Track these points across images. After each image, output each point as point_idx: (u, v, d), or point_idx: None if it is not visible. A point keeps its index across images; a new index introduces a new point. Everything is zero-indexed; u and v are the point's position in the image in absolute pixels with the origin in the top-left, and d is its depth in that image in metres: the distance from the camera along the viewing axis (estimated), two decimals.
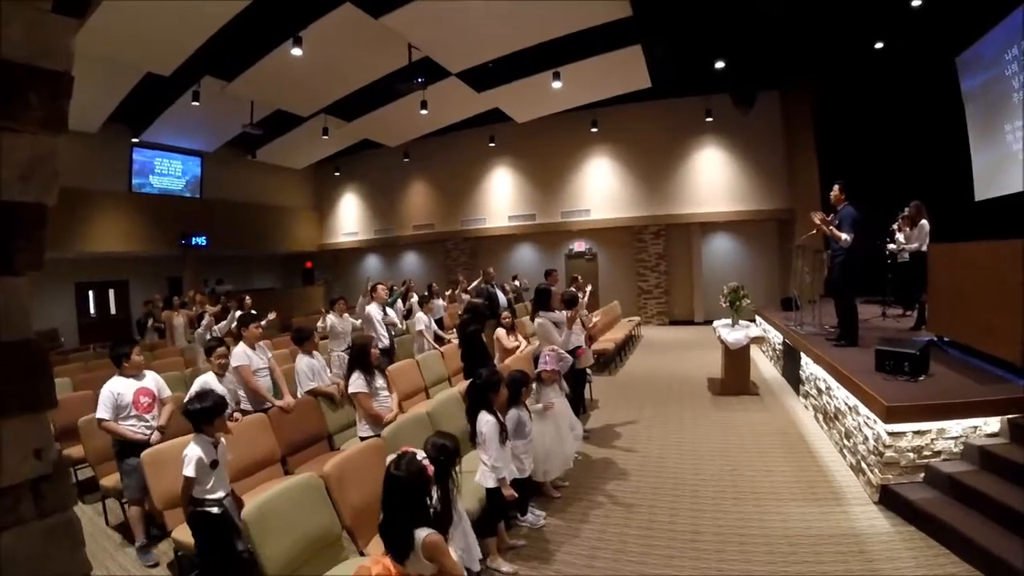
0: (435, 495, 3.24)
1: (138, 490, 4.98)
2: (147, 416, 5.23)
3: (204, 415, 3.96)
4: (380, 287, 9.86)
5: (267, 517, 3.43)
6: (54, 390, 0.96)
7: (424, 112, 14.49)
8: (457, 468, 3.52)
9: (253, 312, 9.36)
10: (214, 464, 3.91)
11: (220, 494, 3.91)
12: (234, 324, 9.80)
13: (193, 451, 3.86)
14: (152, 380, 5.43)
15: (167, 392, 5.53)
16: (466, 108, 16.02)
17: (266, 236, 21.95)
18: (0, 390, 0.86)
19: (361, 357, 5.70)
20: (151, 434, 5.16)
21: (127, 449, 5.04)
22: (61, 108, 0.92)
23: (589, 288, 10.37)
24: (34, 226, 0.91)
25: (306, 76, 12.53)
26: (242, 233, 20.65)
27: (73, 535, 0.95)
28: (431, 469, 2.95)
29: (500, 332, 8.39)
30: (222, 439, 4.10)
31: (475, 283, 13.46)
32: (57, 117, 0.92)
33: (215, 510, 3.83)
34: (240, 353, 6.40)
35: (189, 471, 3.81)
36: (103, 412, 5.05)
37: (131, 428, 5.11)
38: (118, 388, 5.14)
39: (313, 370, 6.70)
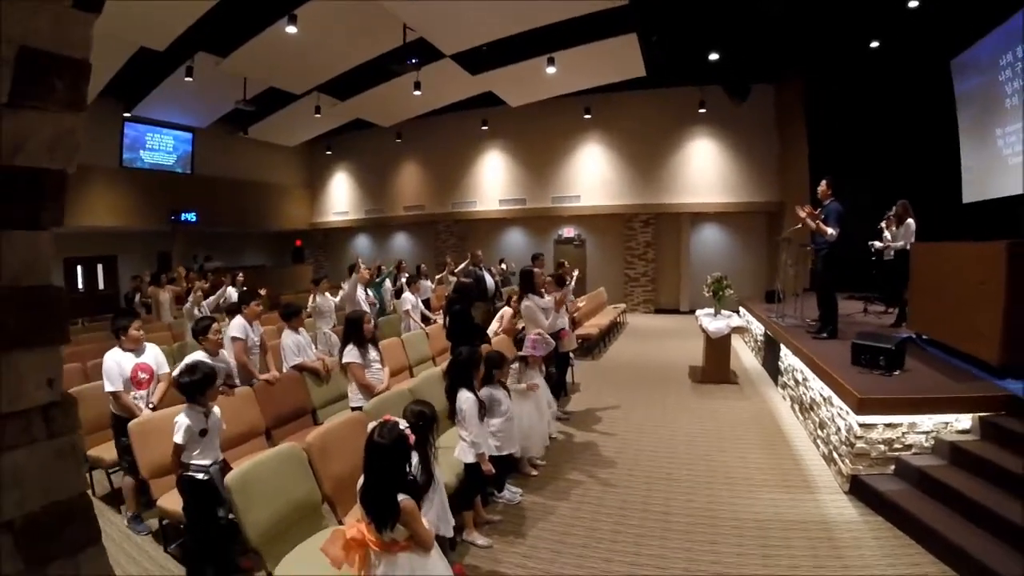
0: (415, 461, 3.35)
1: (134, 464, 5.07)
2: (143, 392, 5.26)
3: (196, 387, 4.06)
4: (363, 267, 9.93)
5: (250, 484, 3.51)
6: (67, 328, 1.10)
7: (417, 93, 14.44)
8: (434, 434, 3.63)
9: (246, 289, 9.40)
10: (203, 433, 4.00)
11: (207, 461, 3.99)
12: (223, 300, 9.88)
13: (183, 419, 3.95)
14: (152, 356, 5.44)
15: (165, 368, 5.53)
16: (460, 90, 15.98)
17: (257, 213, 21.91)
18: (23, 326, 0.99)
19: (355, 330, 5.81)
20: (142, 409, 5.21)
21: (124, 424, 5.10)
22: (81, 91, 1.05)
23: (576, 273, 10.45)
24: (57, 189, 1.04)
25: (300, 54, 12.48)
26: (233, 210, 20.60)
27: (76, 456, 1.08)
28: (412, 437, 3.04)
29: (507, 311, 8.49)
30: (215, 409, 4.19)
31: (462, 265, 13.53)
32: (78, 98, 1.05)
33: (200, 476, 3.93)
34: (239, 325, 6.45)
35: (178, 438, 3.91)
36: (114, 384, 5.07)
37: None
38: (119, 360, 5.16)
39: (299, 346, 6.76)
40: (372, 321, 8.67)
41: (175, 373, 5.52)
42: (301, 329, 7.05)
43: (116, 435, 5.21)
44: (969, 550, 3.99)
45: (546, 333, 6.81)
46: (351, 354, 5.69)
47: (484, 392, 5.13)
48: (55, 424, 1.04)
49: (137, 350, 5.33)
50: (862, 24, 12.13)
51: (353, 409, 5.54)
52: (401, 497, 2.87)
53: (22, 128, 0.97)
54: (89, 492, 1.12)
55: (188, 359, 5.59)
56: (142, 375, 5.26)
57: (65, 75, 1.02)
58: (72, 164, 1.06)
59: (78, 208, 15.67)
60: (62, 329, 1.08)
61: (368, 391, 5.63)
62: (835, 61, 14.31)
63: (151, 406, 5.24)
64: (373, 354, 5.92)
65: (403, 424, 3.06)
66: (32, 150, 0.99)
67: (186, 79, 13.32)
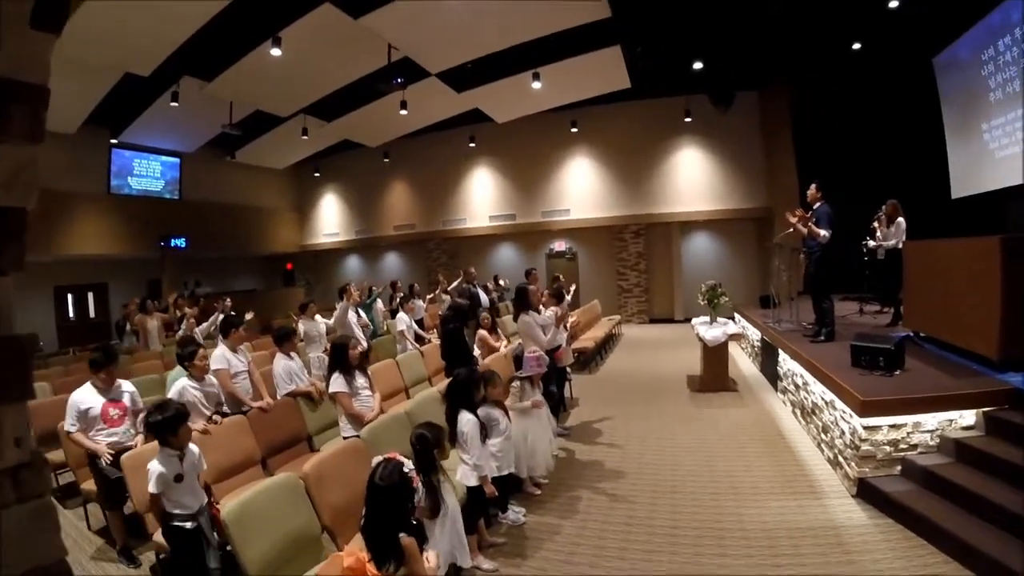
0: (421, 490, 3.28)
1: (112, 497, 4.97)
2: (117, 430, 5.16)
3: (165, 425, 3.81)
4: (353, 289, 9.84)
5: (247, 517, 3.42)
6: (31, 382, 1.00)
7: (404, 112, 14.43)
8: (438, 458, 3.56)
9: (233, 314, 9.31)
10: (178, 478, 3.76)
11: (192, 508, 3.79)
12: (215, 327, 9.78)
13: (155, 467, 3.73)
14: (127, 394, 5.36)
15: (140, 403, 5.45)
16: (446, 108, 15.97)
17: (246, 237, 21.80)
18: None
19: (340, 357, 5.67)
20: (128, 441, 5.15)
21: (98, 459, 5.01)
22: (40, 119, 0.96)
23: (573, 287, 10.40)
24: (17, 229, 0.95)
25: (285, 76, 12.46)
26: (222, 234, 20.50)
27: (50, 519, 0.99)
28: (417, 480, 2.97)
29: (483, 333, 8.42)
30: (192, 448, 3.97)
31: (456, 283, 13.46)
32: (36, 127, 0.96)
33: (188, 525, 3.75)
34: (219, 356, 6.37)
35: (152, 487, 3.71)
36: (69, 423, 5.01)
37: (96, 441, 5.05)
38: (86, 400, 5.06)
39: (290, 372, 6.68)
40: (362, 346, 8.61)
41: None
42: (293, 354, 6.97)
43: (93, 471, 5.13)
44: (980, 547, 3.96)
45: (543, 350, 6.73)
46: (337, 383, 5.54)
47: (481, 412, 5.05)
48: (25, 486, 0.95)
49: (109, 389, 5.23)
50: (843, 26, 12.22)
51: (346, 439, 5.39)
52: (401, 535, 2.79)
53: None
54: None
55: (176, 385, 5.52)
56: (113, 412, 5.16)
57: (23, 103, 0.93)
58: (32, 200, 0.98)
59: (67, 236, 15.54)
60: (27, 384, 0.99)
61: (357, 420, 5.47)
62: (818, 65, 14.41)
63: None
64: (361, 381, 5.76)
65: (408, 466, 2.98)
66: None
67: (172, 104, 13.28)
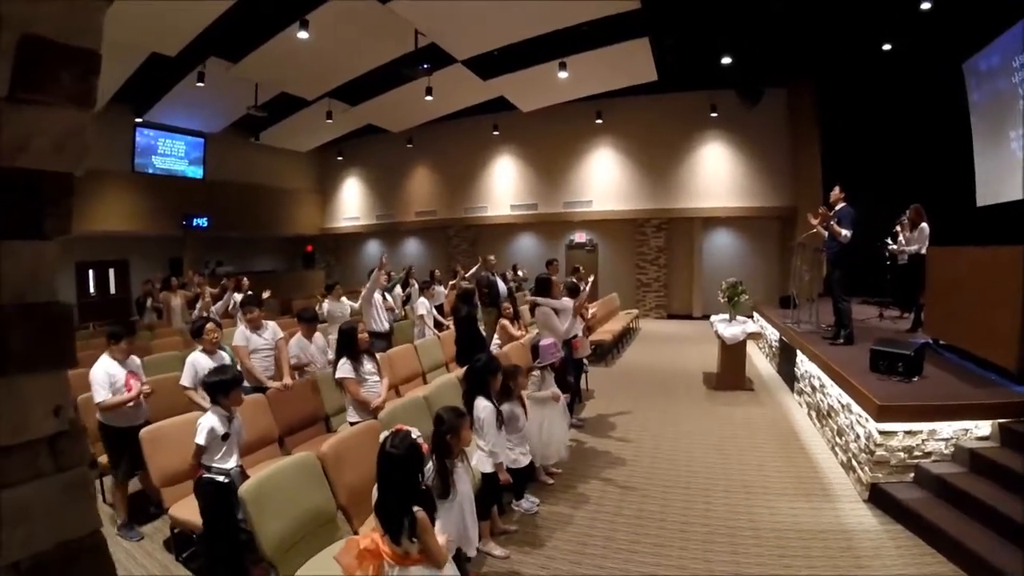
0: (429, 469, 3.30)
1: (124, 472, 5.09)
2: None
3: (221, 387, 4.08)
4: (383, 268, 9.88)
5: (264, 495, 3.47)
6: (75, 350, 1.01)
7: (429, 98, 14.45)
8: (456, 441, 3.59)
9: (251, 293, 9.37)
10: (225, 436, 4.01)
11: (229, 464, 4.01)
12: (231, 305, 9.87)
13: (207, 420, 3.97)
14: (136, 367, 5.46)
15: (144, 379, 5.52)
16: (471, 96, 15.96)
17: (268, 219, 21.94)
18: (28, 348, 0.90)
19: (348, 343, 5.67)
20: (141, 416, 5.24)
21: (112, 434, 5.11)
22: (91, 85, 0.96)
23: (592, 279, 10.35)
24: (63, 194, 0.95)
25: (312, 59, 12.51)
26: (244, 215, 20.63)
27: (87, 490, 1.00)
28: (425, 447, 2.99)
29: (504, 322, 8.44)
30: (238, 414, 4.21)
31: (474, 269, 13.46)
32: (87, 93, 0.95)
33: (221, 478, 3.93)
34: (239, 334, 6.47)
35: (200, 439, 3.92)
36: (102, 394, 5.03)
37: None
38: (110, 369, 5.13)
39: (302, 348, 6.80)
40: (384, 327, 8.65)
41: (184, 381, 5.54)
42: (318, 334, 7.04)
43: (106, 443, 5.22)
44: (990, 559, 3.93)
45: (560, 340, 6.72)
46: (344, 368, 5.54)
47: (505, 408, 5.06)
48: (63, 456, 0.95)
49: (125, 361, 5.31)
50: (875, 26, 12.06)
51: (352, 424, 5.40)
52: (414, 509, 2.81)
53: (24, 125, 0.88)
54: (102, 530, 1.03)
55: (188, 360, 5.63)
56: (134, 383, 5.25)
57: (73, 67, 0.93)
58: (80, 166, 0.97)
59: (90, 213, 15.72)
60: (69, 351, 0.99)
61: (364, 407, 5.49)
62: (847, 64, 14.25)
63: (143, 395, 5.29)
64: (369, 366, 5.73)
65: (416, 433, 3.01)
66: (36, 150, 0.90)
67: (198, 84, 13.39)
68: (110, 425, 5.12)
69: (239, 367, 6.14)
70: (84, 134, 0.98)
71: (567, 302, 7.30)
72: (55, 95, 0.92)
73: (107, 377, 5.06)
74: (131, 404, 5.15)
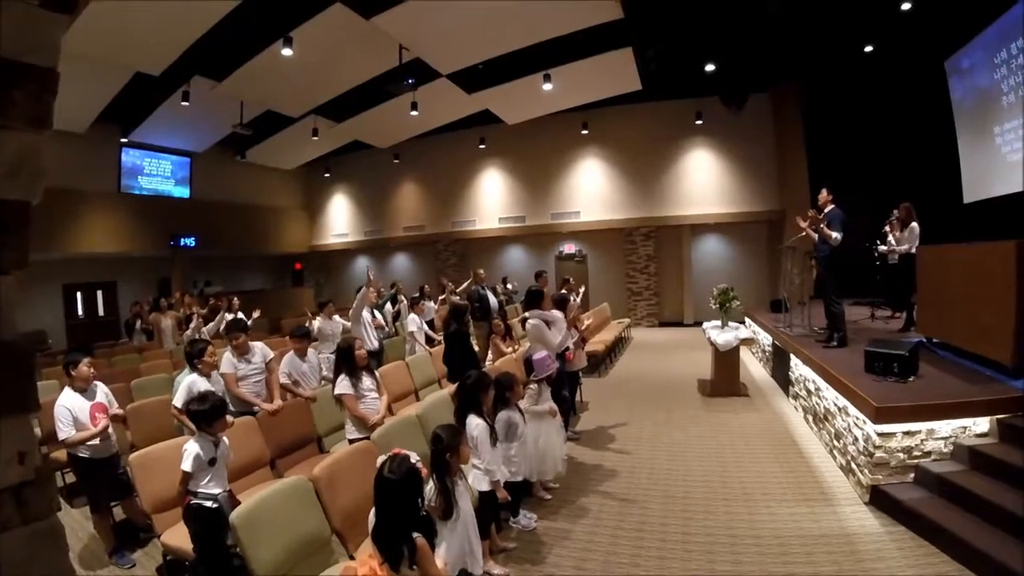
0: (430, 489, 3.25)
1: (99, 500, 5.04)
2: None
3: (204, 416, 4.04)
4: (372, 287, 9.81)
5: (256, 520, 3.40)
6: (37, 392, 0.94)
7: (414, 113, 14.45)
8: (454, 462, 3.55)
9: (240, 317, 9.28)
10: (212, 462, 3.97)
11: (217, 490, 3.95)
12: (223, 326, 9.79)
13: (192, 447, 3.94)
14: (103, 394, 5.32)
15: (116, 406, 5.43)
16: (456, 109, 15.99)
17: (256, 237, 21.83)
18: None
19: (347, 359, 5.64)
20: (111, 446, 5.19)
21: (83, 464, 5.04)
22: (47, 105, 0.91)
23: (583, 289, 10.31)
24: (19, 223, 0.89)
25: (296, 76, 12.49)
26: (232, 234, 20.53)
27: (56, 541, 0.94)
28: (424, 471, 2.94)
29: (495, 339, 8.39)
30: (224, 439, 4.16)
31: (465, 285, 13.41)
32: (42, 114, 0.90)
33: (210, 503, 3.87)
34: (225, 361, 6.33)
35: (186, 465, 3.88)
36: (64, 431, 4.88)
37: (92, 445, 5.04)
38: (73, 403, 4.99)
39: (297, 372, 6.70)
40: (372, 346, 8.58)
41: (177, 402, 5.48)
42: (312, 351, 6.98)
43: (81, 475, 5.17)
44: (994, 555, 3.92)
45: (553, 353, 6.67)
46: (343, 385, 5.52)
47: (502, 415, 5.03)
48: (29, 507, 0.89)
49: (88, 389, 5.18)
50: (856, 28, 12.16)
51: (351, 441, 5.37)
52: (414, 535, 2.75)
53: None
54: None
55: (185, 383, 5.55)
56: (99, 416, 5.11)
57: (28, 86, 0.87)
58: (36, 193, 0.92)
59: (76, 234, 15.59)
60: (32, 394, 0.93)
61: (363, 423, 5.45)
62: (831, 67, 14.36)
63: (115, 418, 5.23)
64: (367, 382, 5.70)
65: (414, 458, 2.95)
66: None
67: (183, 103, 13.32)
68: (79, 456, 5.03)
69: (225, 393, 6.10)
70: (40, 157, 0.92)
71: (558, 314, 7.25)
72: (8, 117, 0.86)
73: (67, 412, 4.92)
74: (99, 439, 5.05)
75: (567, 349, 7.34)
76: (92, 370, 5.28)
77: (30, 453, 0.89)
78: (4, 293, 0.87)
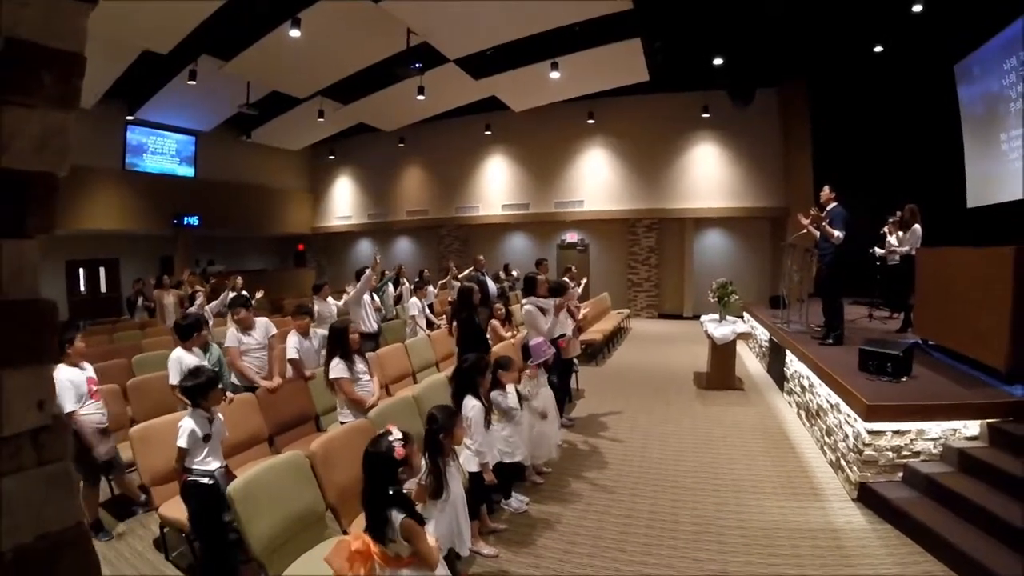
0: (423, 467, 3.31)
1: (93, 474, 5.04)
2: (99, 403, 5.16)
3: (198, 390, 4.07)
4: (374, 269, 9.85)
5: (253, 494, 3.46)
6: (56, 346, 1.04)
7: (421, 97, 14.44)
8: (448, 441, 3.60)
9: (244, 294, 9.32)
10: (207, 438, 4.01)
11: (212, 466, 4.00)
12: (225, 305, 9.84)
13: (187, 423, 3.96)
14: (89, 368, 5.30)
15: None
16: (463, 95, 15.99)
17: (259, 217, 21.89)
18: (10, 343, 0.92)
19: (340, 341, 5.59)
20: (103, 418, 5.19)
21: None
22: (73, 86, 0.97)
23: (585, 280, 10.34)
24: (46, 193, 0.96)
25: (303, 58, 12.49)
26: (235, 214, 20.59)
27: (69, 483, 1.00)
28: (400, 452, 2.96)
29: (495, 323, 8.43)
30: (219, 415, 4.20)
31: (466, 272, 13.45)
32: (69, 94, 0.97)
33: (205, 480, 3.92)
34: (231, 335, 6.44)
35: (181, 442, 3.92)
36: (70, 403, 4.84)
37: (90, 417, 5.04)
38: (72, 377, 4.97)
39: (300, 352, 6.74)
40: (371, 328, 8.64)
41: (173, 381, 5.54)
42: (314, 330, 7.06)
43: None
44: (979, 558, 3.95)
45: (546, 339, 6.72)
46: (338, 368, 5.45)
47: (494, 396, 5.08)
48: (46, 450, 0.97)
49: (81, 364, 5.18)
50: (866, 29, 12.12)
51: (343, 424, 5.35)
52: (399, 516, 2.80)
53: (7, 126, 0.90)
54: (85, 521, 1.03)
55: (171, 359, 5.62)
56: (94, 388, 5.15)
57: (54, 68, 0.94)
58: (63, 166, 0.99)
59: (80, 211, 15.66)
60: (52, 346, 1.01)
61: (358, 406, 5.43)
62: (839, 66, 14.32)
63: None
64: (360, 366, 5.67)
65: (396, 435, 2.99)
66: (18, 150, 0.91)
67: (189, 82, 13.34)
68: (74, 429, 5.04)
69: (227, 367, 6.18)
70: (67, 134, 0.99)
71: (551, 301, 7.31)
72: (37, 97, 0.94)
73: (70, 385, 4.89)
74: (100, 428, 5.09)
75: (561, 336, 7.40)
76: (83, 344, 5.29)
77: (48, 401, 0.96)
78: (29, 256, 0.94)
